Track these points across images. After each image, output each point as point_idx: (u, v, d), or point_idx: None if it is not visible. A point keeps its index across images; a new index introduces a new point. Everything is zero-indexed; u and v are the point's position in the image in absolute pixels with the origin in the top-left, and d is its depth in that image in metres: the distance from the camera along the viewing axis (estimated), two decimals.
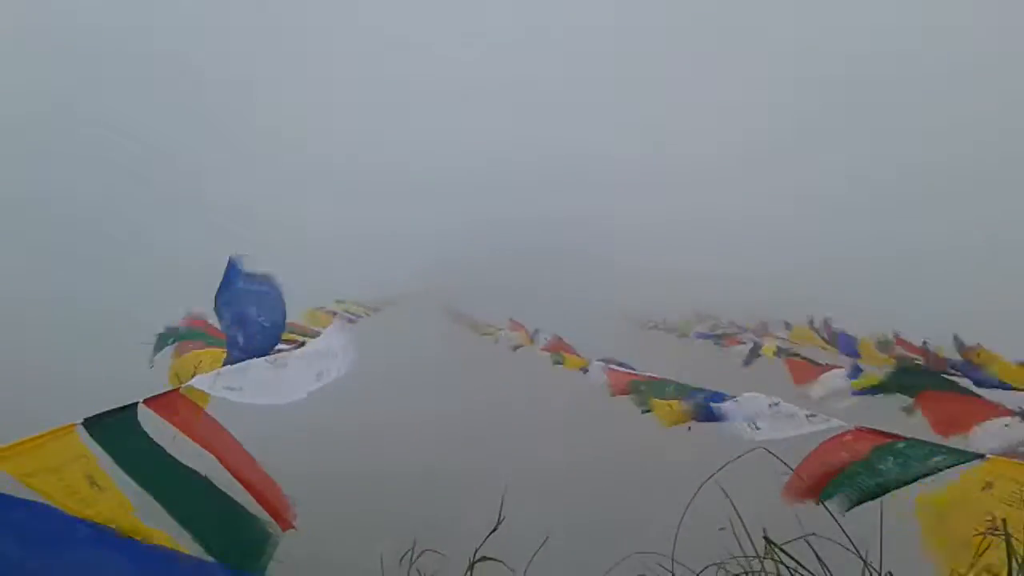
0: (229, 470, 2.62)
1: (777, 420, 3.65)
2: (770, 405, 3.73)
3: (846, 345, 8.64)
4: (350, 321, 9.38)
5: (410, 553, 2.16)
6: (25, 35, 30.20)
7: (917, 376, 5.43)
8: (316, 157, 31.28)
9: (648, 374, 5.32)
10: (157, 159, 28.01)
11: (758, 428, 3.68)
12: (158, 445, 2.52)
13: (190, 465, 2.47)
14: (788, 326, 11.33)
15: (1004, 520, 2.50)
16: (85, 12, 30.69)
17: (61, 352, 12.36)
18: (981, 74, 25.65)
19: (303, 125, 32.08)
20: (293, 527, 2.55)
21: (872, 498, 2.70)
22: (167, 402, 2.89)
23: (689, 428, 4.17)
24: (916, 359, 7.23)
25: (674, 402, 4.34)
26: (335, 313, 9.26)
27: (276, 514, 2.57)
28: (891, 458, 2.88)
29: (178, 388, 3.01)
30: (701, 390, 4.27)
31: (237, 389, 3.14)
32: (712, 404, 4.07)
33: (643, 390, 4.92)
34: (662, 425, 4.36)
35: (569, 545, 4.18)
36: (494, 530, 2.05)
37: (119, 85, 30.32)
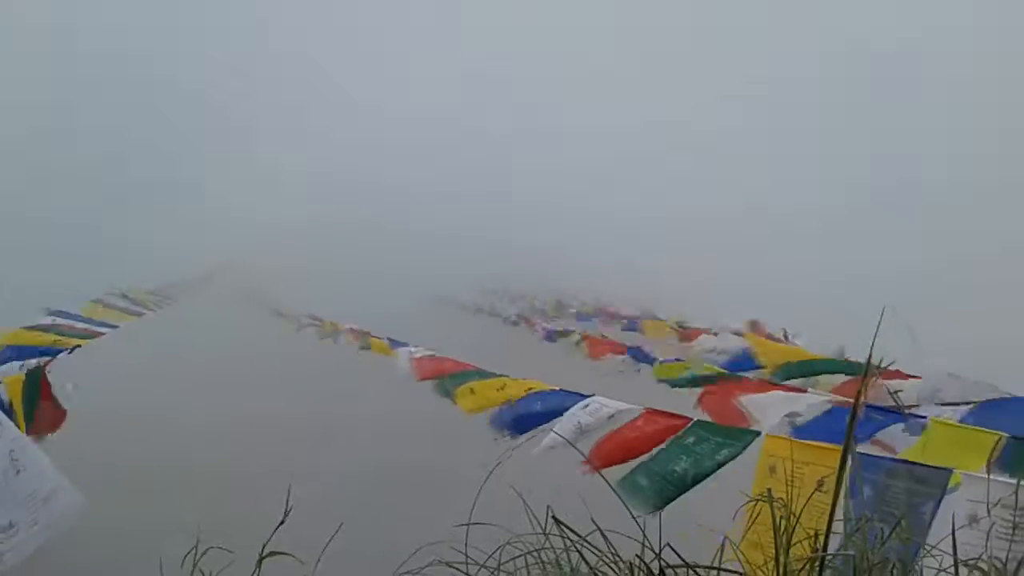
0: None
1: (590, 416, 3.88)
2: (584, 406, 3.93)
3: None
4: (137, 314, 8.73)
5: (194, 552, 1.99)
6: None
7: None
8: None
9: (454, 361, 5.35)
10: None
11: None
12: None
13: None
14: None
15: (769, 489, 2.76)
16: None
17: None
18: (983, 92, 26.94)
19: None
20: None
21: (673, 499, 2.98)
22: None
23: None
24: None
25: (476, 388, 4.42)
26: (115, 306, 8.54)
27: None
28: (684, 457, 3.18)
29: None
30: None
31: None
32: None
33: (447, 380, 5.00)
34: (464, 412, 4.42)
35: (363, 535, 4.11)
36: (282, 523, 1.94)
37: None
